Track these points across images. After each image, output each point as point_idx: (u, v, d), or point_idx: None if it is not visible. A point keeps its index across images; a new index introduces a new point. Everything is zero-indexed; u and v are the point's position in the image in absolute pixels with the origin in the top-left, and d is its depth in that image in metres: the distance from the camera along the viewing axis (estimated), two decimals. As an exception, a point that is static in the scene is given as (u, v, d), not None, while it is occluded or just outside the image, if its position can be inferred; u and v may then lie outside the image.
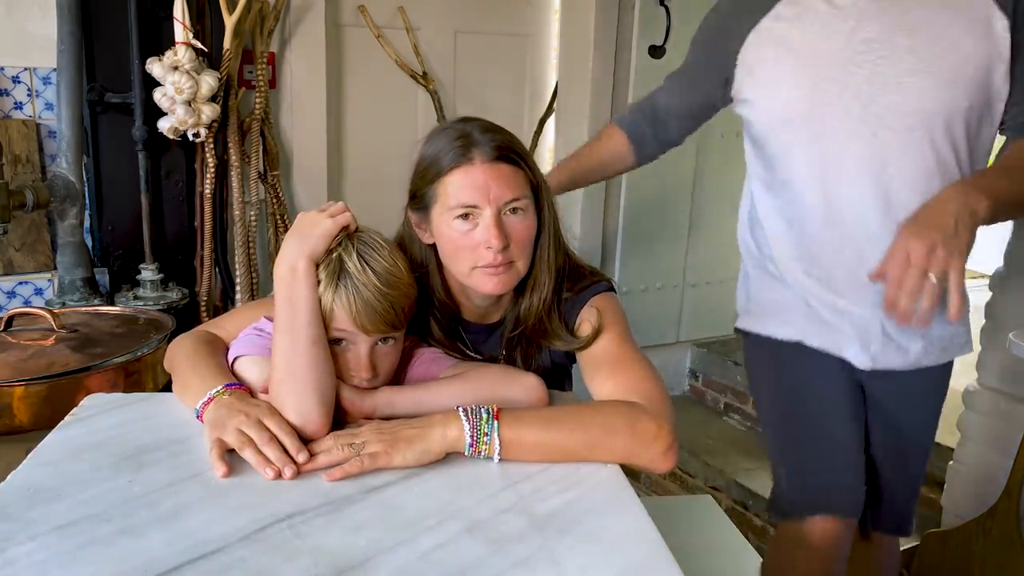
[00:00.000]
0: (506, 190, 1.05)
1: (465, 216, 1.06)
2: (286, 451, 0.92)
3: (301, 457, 0.92)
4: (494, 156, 1.05)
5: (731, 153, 3.04)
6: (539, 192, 1.11)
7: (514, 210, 1.07)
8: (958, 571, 1.82)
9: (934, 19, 1.18)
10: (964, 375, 2.65)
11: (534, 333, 1.15)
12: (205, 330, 1.17)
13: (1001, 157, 1.22)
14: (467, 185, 1.05)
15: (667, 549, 0.81)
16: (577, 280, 1.17)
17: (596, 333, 1.11)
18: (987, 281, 2.09)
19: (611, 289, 1.18)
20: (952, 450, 2.19)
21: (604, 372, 1.07)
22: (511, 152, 1.07)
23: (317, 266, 1.01)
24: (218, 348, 1.12)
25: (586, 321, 1.13)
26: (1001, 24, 1.16)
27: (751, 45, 1.30)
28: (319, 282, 1.01)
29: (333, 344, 1.03)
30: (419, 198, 1.11)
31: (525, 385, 1.07)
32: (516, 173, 1.07)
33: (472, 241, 1.06)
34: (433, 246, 1.14)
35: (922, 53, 1.18)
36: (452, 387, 1.07)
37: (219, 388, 1.01)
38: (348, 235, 1.04)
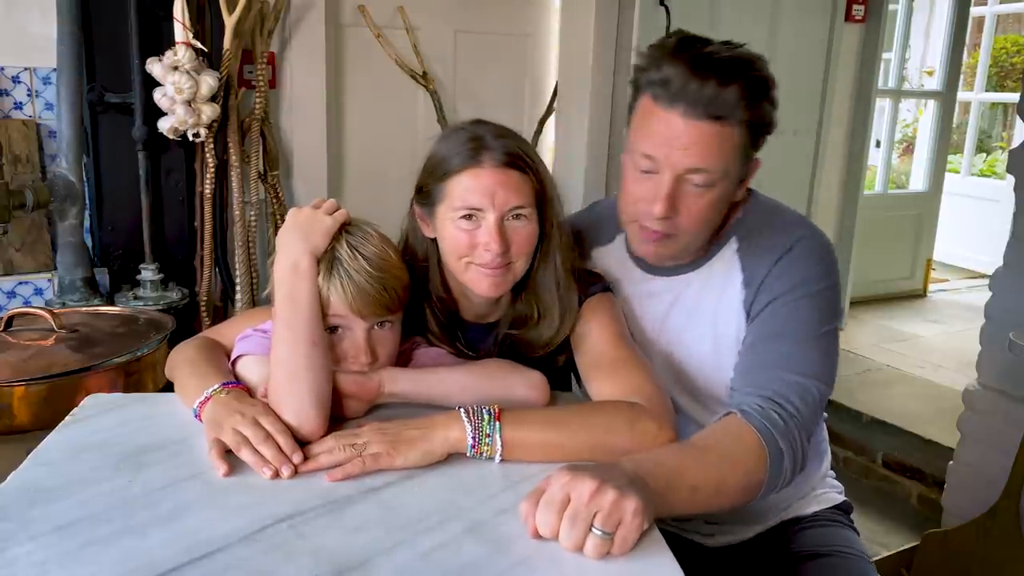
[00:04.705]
0: (512, 196, 1.06)
1: (469, 217, 1.07)
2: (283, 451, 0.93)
3: (296, 457, 0.92)
4: (503, 162, 1.06)
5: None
6: (545, 201, 1.11)
7: (517, 216, 1.07)
8: (958, 571, 1.82)
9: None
10: (964, 375, 2.66)
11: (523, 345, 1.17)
12: (205, 336, 1.18)
13: (702, 436, 1.01)
14: (474, 188, 1.06)
15: (668, 548, 0.81)
16: (574, 281, 1.17)
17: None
18: (987, 281, 2.09)
19: (608, 290, 1.18)
20: (952, 450, 2.20)
21: (602, 374, 1.08)
22: (520, 159, 1.07)
23: (318, 262, 1.02)
24: (217, 351, 1.13)
25: (581, 323, 1.14)
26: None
27: None
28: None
29: (330, 332, 1.04)
30: (426, 193, 1.12)
31: (529, 382, 1.07)
32: (524, 180, 1.08)
33: (473, 240, 1.07)
34: (434, 241, 1.14)
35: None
36: (456, 372, 1.08)
37: (216, 387, 1.01)
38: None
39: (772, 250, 1.12)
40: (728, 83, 1.01)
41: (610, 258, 1.27)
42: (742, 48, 1.06)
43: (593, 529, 0.77)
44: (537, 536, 0.80)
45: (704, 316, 1.17)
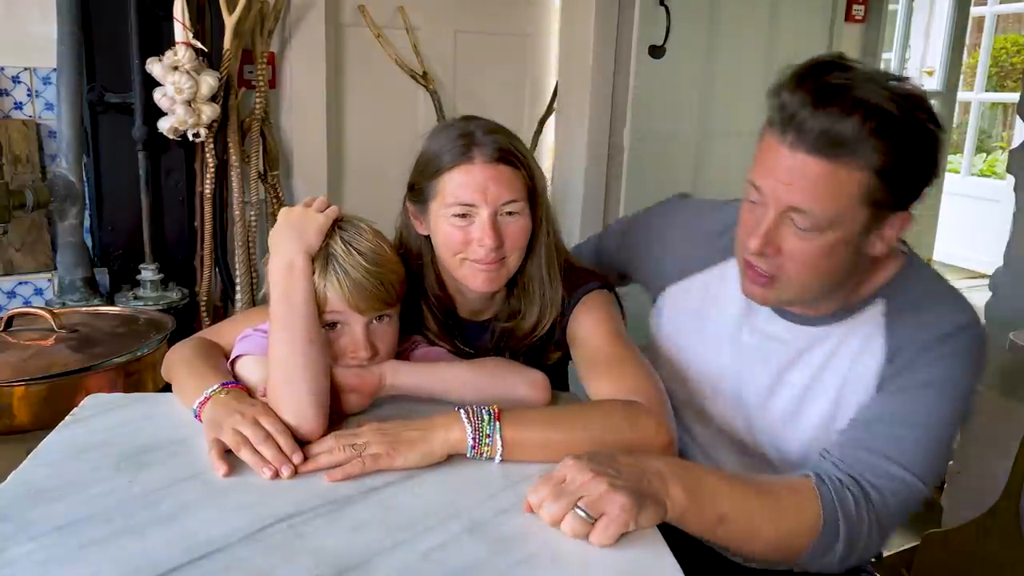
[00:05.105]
0: (504, 191, 1.06)
1: (462, 214, 1.07)
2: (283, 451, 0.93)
3: (296, 457, 0.92)
4: (495, 157, 1.06)
5: (732, 153, 3.04)
6: (536, 196, 1.12)
7: (510, 211, 1.08)
8: (958, 571, 1.82)
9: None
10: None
11: (518, 340, 1.17)
12: (201, 336, 1.18)
13: (765, 479, 1.01)
14: (466, 184, 1.06)
15: (668, 548, 0.81)
16: (571, 280, 1.17)
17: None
18: (987, 281, 2.09)
19: (605, 287, 1.18)
20: (952, 450, 2.19)
21: (600, 372, 1.08)
22: (511, 155, 1.08)
23: (312, 260, 1.02)
24: (214, 352, 1.13)
25: (576, 321, 1.14)
26: None
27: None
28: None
29: (329, 329, 1.04)
30: (418, 191, 1.13)
31: (530, 380, 1.08)
32: (515, 175, 1.08)
33: (467, 236, 1.08)
34: (428, 238, 1.14)
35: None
36: (458, 368, 1.09)
37: (215, 387, 1.01)
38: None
39: (927, 330, 1.00)
40: (850, 114, 0.85)
41: (729, 279, 1.12)
42: (895, 80, 0.89)
43: (576, 508, 0.80)
44: (529, 510, 0.84)
45: (833, 378, 1.06)
